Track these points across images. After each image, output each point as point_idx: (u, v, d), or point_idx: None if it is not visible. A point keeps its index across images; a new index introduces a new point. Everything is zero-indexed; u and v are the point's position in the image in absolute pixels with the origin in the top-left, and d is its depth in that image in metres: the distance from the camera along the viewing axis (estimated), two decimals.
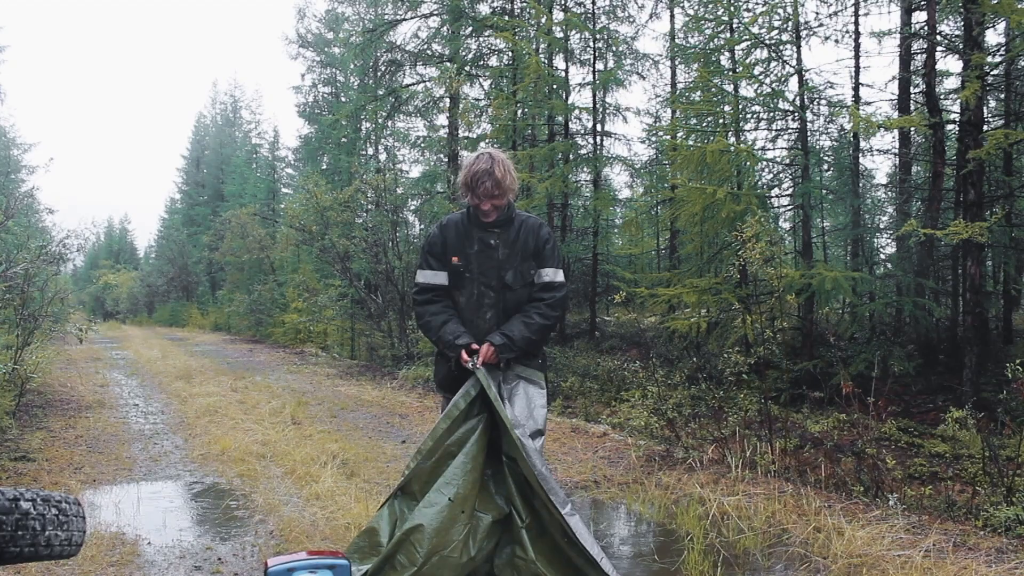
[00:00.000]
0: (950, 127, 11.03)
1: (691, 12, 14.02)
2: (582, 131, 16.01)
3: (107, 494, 5.45)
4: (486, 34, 15.75)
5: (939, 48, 10.41)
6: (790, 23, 11.02)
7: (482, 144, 16.32)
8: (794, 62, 11.09)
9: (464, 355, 3.44)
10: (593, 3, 15.32)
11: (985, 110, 10.64)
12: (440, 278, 3.59)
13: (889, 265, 12.05)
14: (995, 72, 10.46)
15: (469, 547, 3.25)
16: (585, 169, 16.04)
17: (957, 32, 11.10)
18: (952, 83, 11.61)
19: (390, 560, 3.16)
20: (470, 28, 15.82)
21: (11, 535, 2.00)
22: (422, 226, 17.72)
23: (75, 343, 11.34)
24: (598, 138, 15.96)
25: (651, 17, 16.06)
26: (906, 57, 11.32)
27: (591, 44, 15.38)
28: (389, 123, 19.70)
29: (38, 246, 8.75)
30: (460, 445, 3.38)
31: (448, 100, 16.68)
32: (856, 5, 11.49)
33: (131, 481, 5.86)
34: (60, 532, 2.15)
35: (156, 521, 4.79)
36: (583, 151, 15.72)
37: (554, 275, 3.57)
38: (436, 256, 3.59)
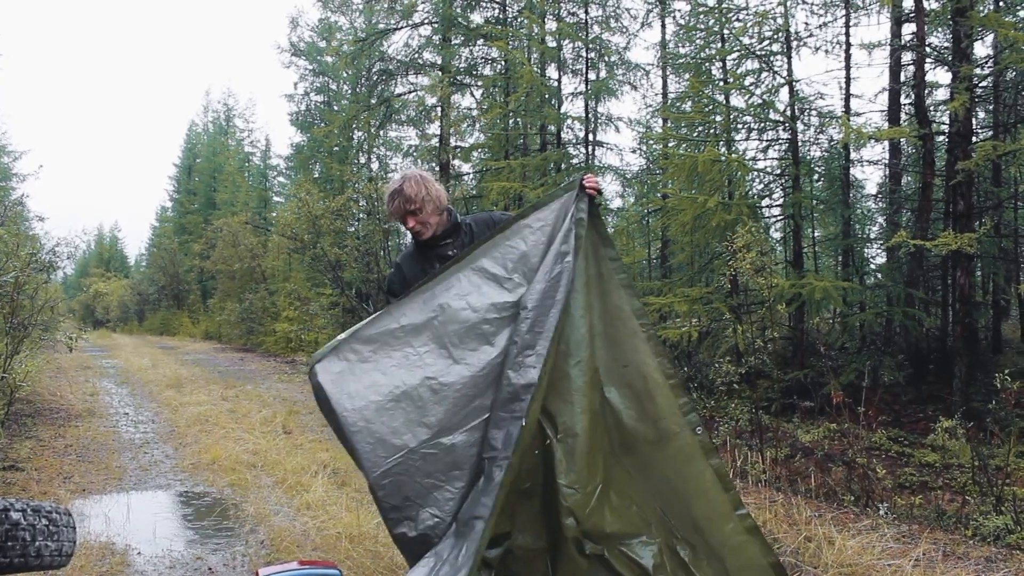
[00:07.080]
0: (939, 138, 11.13)
1: (682, 22, 14.10)
2: (574, 141, 16.03)
3: (97, 504, 5.42)
4: (478, 43, 15.78)
5: (928, 60, 10.50)
6: (781, 34, 11.10)
7: (473, 154, 16.36)
8: (785, 73, 11.16)
9: None
10: (586, 12, 15.39)
11: (974, 121, 10.71)
12: None
13: (879, 275, 12.10)
14: (983, 84, 10.54)
15: None
16: None
17: (946, 44, 11.21)
18: (941, 95, 11.71)
19: None
20: (462, 37, 15.85)
21: (1, 545, 1.99)
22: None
23: (65, 351, 11.28)
24: (590, 148, 15.99)
25: (642, 26, 16.04)
26: (896, 68, 11.41)
27: (583, 54, 15.44)
28: (381, 132, 19.72)
29: (28, 254, 8.69)
30: None
31: (439, 109, 16.70)
32: (846, 16, 11.59)
33: (121, 491, 5.83)
34: (50, 542, 2.14)
35: (146, 531, 4.77)
36: (575, 160, 15.73)
37: None
38: (395, 293, 3.46)
